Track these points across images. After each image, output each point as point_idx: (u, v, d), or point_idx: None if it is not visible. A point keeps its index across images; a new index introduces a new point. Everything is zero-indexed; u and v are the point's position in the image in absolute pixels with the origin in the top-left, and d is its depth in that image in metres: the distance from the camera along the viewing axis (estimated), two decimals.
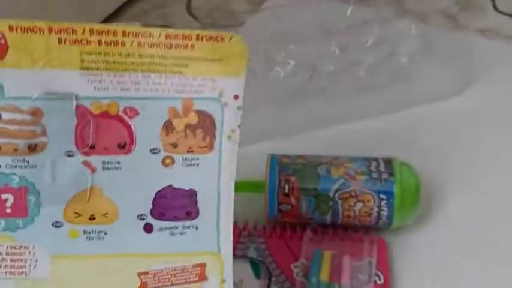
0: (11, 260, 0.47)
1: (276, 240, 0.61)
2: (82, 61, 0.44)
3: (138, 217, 0.48)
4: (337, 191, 0.60)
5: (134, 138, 0.46)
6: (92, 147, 0.46)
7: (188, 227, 0.49)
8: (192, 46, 0.45)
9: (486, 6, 0.91)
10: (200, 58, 0.45)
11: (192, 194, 0.48)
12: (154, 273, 0.48)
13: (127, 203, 0.48)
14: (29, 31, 0.43)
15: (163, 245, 0.49)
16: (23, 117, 0.44)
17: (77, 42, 0.44)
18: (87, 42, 0.44)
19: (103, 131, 0.46)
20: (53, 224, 0.47)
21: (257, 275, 0.58)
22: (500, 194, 0.66)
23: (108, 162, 0.47)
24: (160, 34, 0.44)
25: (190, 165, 0.48)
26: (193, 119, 0.47)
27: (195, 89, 0.46)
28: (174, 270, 0.49)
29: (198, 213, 0.49)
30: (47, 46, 0.43)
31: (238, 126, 0.47)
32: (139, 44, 0.44)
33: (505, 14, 0.90)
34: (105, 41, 0.44)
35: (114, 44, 0.44)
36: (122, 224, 0.48)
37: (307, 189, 0.60)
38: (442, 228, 0.63)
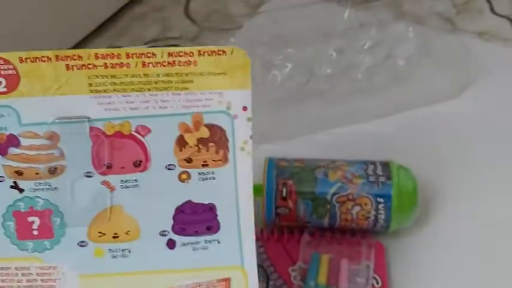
0: (41, 281, 0.48)
1: (273, 243, 0.61)
2: (90, 85, 0.45)
3: (160, 233, 0.49)
4: (334, 194, 0.60)
5: (149, 156, 0.47)
6: (109, 167, 0.47)
7: (210, 242, 0.49)
8: (195, 62, 0.46)
9: (483, 8, 0.91)
10: (204, 73, 0.46)
11: (211, 208, 0.48)
12: None
13: (148, 220, 0.48)
14: (37, 60, 0.44)
15: (187, 261, 0.49)
16: (41, 142, 0.46)
17: (84, 67, 0.45)
18: (94, 66, 0.45)
19: (118, 151, 0.47)
20: (78, 244, 0.48)
21: None
22: (498, 197, 0.66)
23: (126, 181, 0.47)
24: (162, 53, 0.45)
25: (207, 179, 0.48)
26: (204, 133, 0.47)
27: (203, 103, 0.47)
28: (199, 285, 0.49)
29: (219, 227, 0.49)
30: (56, 73, 0.45)
31: (250, 137, 0.47)
32: (144, 64, 0.45)
33: (502, 16, 0.90)
34: (110, 64, 0.45)
35: (119, 66, 0.45)
36: (145, 241, 0.48)
37: (305, 193, 0.60)
38: (440, 232, 0.63)
